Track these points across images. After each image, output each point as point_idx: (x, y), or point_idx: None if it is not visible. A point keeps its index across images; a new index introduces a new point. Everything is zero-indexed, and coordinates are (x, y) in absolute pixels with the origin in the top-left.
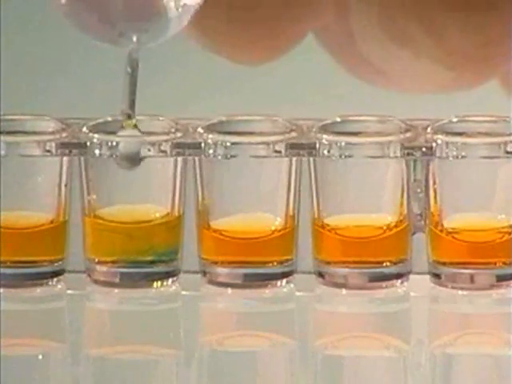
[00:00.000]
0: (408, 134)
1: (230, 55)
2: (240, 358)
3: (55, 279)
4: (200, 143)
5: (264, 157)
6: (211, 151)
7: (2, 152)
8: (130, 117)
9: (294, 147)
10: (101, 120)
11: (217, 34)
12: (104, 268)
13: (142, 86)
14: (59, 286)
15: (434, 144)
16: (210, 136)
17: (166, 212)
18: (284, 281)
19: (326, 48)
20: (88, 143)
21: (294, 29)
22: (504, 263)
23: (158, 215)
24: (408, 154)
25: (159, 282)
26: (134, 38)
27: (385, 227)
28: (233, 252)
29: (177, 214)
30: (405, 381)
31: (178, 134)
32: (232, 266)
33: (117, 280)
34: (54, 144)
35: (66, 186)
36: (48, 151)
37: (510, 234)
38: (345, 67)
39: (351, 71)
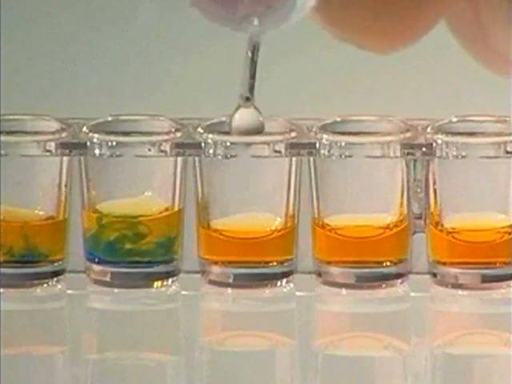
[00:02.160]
0: (408, 134)
1: (359, 43)
2: (240, 358)
3: (55, 279)
4: (200, 143)
5: (264, 157)
6: (211, 151)
7: (2, 152)
8: (248, 99)
9: (294, 147)
10: (101, 120)
11: (345, 22)
12: (103, 268)
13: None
14: (59, 286)
15: (434, 144)
16: (210, 136)
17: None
18: (284, 281)
19: (456, 36)
20: (88, 143)
21: (423, 17)
22: (504, 263)
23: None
24: (408, 154)
25: (159, 282)
26: (256, 22)
27: (385, 227)
28: (232, 252)
29: (177, 209)
30: (405, 381)
31: (178, 134)
32: (231, 265)
33: (117, 280)
34: (53, 144)
35: (65, 185)
36: (48, 151)
37: (509, 233)
38: (473, 55)
39: (480, 60)
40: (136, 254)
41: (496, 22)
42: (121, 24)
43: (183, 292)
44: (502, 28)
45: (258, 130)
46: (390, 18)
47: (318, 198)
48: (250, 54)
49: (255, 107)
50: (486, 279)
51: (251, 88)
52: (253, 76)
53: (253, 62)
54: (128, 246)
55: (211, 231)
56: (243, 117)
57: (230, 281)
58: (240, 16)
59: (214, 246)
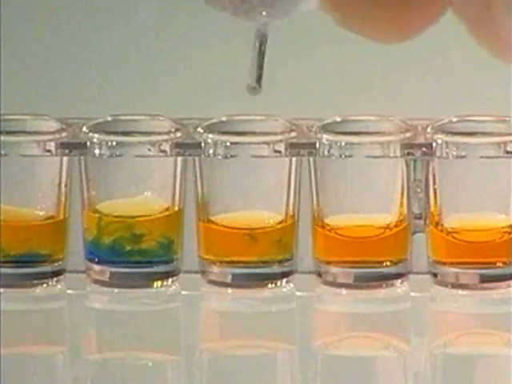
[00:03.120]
0: (408, 134)
1: (366, 33)
2: (240, 358)
3: (55, 279)
4: (200, 143)
5: (264, 157)
6: (211, 151)
7: (2, 152)
8: (255, 91)
9: (294, 147)
10: (101, 120)
11: (353, 11)
12: (103, 268)
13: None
14: (59, 286)
15: (434, 144)
16: (210, 136)
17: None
18: (284, 281)
19: (464, 25)
20: (88, 143)
21: (431, 7)
22: (504, 263)
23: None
24: (408, 154)
25: (159, 282)
26: (264, 12)
27: (385, 227)
28: (232, 252)
29: (177, 209)
30: (405, 381)
31: (178, 134)
32: (231, 265)
33: (117, 280)
34: (53, 144)
35: (65, 185)
36: (48, 151)
37: (509, 233)
38: (481, 44)
39: (488, 49)
40: (136, 253)
41: (505, 10)
42: (121, 24)
43: (183, 292)
44: (510, 16)
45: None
46: (399, 6)
47: (317, 198)
48: (258, 45)
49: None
50: (486, 279)
51: (259, 78)
52: (261, 67)
53: (261, 53)
54: (128, 246)
55: (211, 225)
56: None
57: (230, 281)
58: (248, 6)
59: (213, 242)
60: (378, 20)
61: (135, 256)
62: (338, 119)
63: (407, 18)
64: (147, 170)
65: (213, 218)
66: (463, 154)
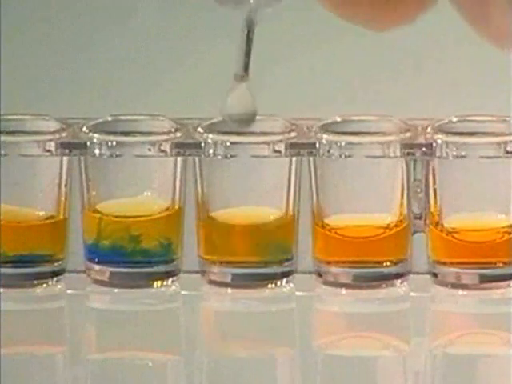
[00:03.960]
0: (408, 134)
1: (360, 21)
2: (240, 358)
3: (55, 279)
4: (200, 143)
5: (264, 156)
6: (211, 151)
7: (2, 152)
8: (242, 79)
9: (293, 147)
10: (101, 120)
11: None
12: (103, 267)
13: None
14: (59, 286)
15: (434, 144)
16: (210, 136)
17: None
18: (284, 281)
19: (459, 14)
20: (88, 143)
21: None
22: (504, 263)
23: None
24: (408, 154)
25: (159, 282)
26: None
27: (385, 227)
28: (232, 252)
29: (177, 209)
30: (405, 381)
31: (178, 134)
32: (231, 265)
33: (117, 280)
34: (53, 144)
35: (65, 185)
36: (48, 151)
37: (509, 233)
38: (475, 30)
39: (481, 34)
40: (136, 253)
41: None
42: (121, 24)
43: (183, 292)
44: (503, 6)
45: (251, 118)
46: None
47: (317, 198)
48: (246, 32)
49: (250, 92)
50: (486, 279)
51: (246, 66)
52: (248, 54)
53: (248, 40)
54: (128, 246)
55: (211, 225)
56: (236, 103)
57: (230, 281)
58: None
59: (213, 245)
60: (370, 5)
61: (135, 256)
62: (338, 119)
63: (401, 2)
64: (147, 170)
65: (214, 217)
66: (463, 153)
